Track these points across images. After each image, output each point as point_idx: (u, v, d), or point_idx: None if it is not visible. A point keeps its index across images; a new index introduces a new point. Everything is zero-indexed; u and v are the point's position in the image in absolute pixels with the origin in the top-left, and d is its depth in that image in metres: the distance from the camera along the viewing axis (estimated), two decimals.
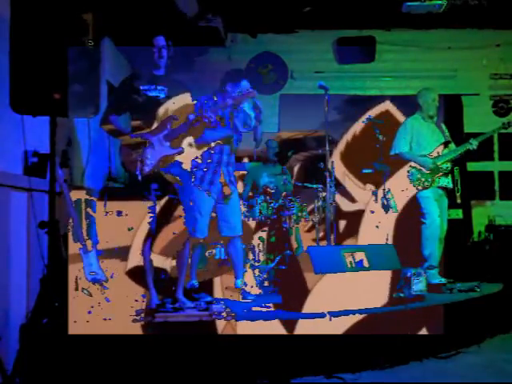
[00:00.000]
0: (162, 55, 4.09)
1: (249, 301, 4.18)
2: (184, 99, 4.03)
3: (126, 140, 3.99)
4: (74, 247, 3.91)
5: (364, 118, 5.73)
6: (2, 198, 3.57)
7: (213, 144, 4.11)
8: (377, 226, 5.16)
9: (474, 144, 4.89)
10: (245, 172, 5.98)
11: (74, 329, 3.39)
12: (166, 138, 3.93)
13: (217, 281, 4.42)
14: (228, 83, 4.13)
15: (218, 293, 4.29)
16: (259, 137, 4.25)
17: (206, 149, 4.09)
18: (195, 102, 4.04)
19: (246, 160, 6.56)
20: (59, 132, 3.32)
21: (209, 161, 4.10)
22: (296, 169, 6.56)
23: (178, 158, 3.98)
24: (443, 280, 4.82)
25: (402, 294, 4.31)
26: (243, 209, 5.13)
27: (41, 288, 3.23)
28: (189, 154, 4.03)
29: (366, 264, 4.26)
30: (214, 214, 4.17)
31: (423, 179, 4.93)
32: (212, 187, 4.10)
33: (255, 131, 4.19)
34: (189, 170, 4.03)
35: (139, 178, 3.88)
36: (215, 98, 4.05)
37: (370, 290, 4.11)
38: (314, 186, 5.39)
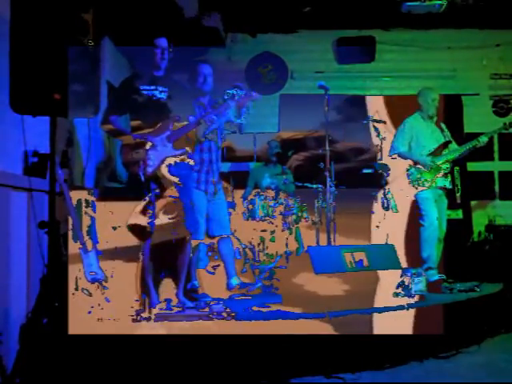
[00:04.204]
0: (164, 57, 4.10)
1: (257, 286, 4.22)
2: None
3: (126, 140, 4.00)
4: (74, 247, 3.92)
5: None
6: (2, 197, 3.57)
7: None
8: (377, 226, 5.15)
9: (483, 140, 4.90)
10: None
11: (74, 329, 3.39)
12: (168, 139, 3.94)
13: (217, 281, 4.42)
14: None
15: (218, 293, 4.28)
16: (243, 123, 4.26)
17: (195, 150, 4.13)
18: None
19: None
20: (59, 132, 3.32)
21: (201, 161, 4.13)
22: (296, 169, 6.55)
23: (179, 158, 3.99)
24: (443, 276, 4.81)
25: (401, 294, 4.32)
26: (243, 209, 5.14)
27: (41, 288, 3.23)
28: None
29: (366, 264, 4.27)
30: None
31: (423, 179, 4.92)
32: (208, 186, 4.15)
33: (240, 114, 4.19)
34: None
35: (142, 178, 3.89)
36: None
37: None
38: (314, 186, 5.38)
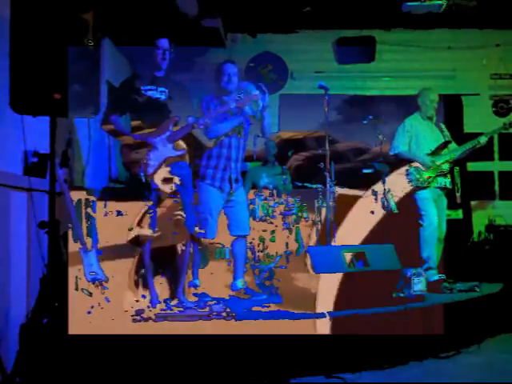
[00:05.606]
0: (165, 57, 4.09)
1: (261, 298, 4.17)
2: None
3: (127, 140, 4.00)
4: (73, 247, 3.91)
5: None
6: (2, 197, 3.57)
7: (223, 137, 4.10)
8: (377, 226, 5.15)
9: (482, 140, 4.89)
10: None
11: (73, 329, 3.39)
12: (168, 140, 3.94)
13: (217, 281, 4.42)
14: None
15: (218, 293, 4.28)
16: (267, 124, 4.20)
17: (215, 145, 4.10)
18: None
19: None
20: (59, 132, 3.32)
21: (218, 157, 4.11)
22: (296, 169, 6.56)
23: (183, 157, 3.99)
24: (443, 275, 4.81)
25: (401, 294, 4.32)
26: None
27: (41, 288, 3.23)
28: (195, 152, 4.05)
29: (366, 264, 4.26)
30: None
31: (422, 179, 4.92)
32: (224, 184, 4.11)
33: (263, 117, 4.15)
34: (194, 169, 4.05)
35: (143, 179, 3.88)
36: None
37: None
38: (314, 185, 5.38)
